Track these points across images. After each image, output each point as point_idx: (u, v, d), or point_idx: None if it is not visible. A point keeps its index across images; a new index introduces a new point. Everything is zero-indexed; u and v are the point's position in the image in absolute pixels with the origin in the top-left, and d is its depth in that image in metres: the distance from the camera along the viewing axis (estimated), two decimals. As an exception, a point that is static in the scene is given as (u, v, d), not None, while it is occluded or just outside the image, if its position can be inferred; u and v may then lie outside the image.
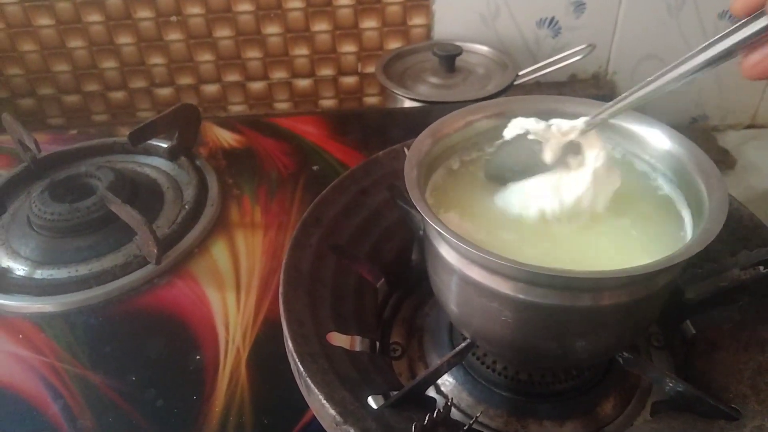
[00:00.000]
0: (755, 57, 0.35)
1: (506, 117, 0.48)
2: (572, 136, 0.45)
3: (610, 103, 0.44)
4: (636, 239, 0.44)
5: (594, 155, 0.44)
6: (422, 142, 0.46)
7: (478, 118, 0.50)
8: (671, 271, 0.40)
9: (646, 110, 0.49)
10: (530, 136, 0.46)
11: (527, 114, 0.47)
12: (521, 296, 0.39)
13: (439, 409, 0.40)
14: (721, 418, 0.41)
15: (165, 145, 0.77)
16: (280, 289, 0.49)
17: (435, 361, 0.49)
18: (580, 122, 0.45)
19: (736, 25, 0.35)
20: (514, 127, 0.46)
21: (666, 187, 0.47)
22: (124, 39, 1.04)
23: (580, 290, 0.38)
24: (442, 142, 0.48)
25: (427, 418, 0.39)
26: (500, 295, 0.39)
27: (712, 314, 0.50)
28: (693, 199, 0.44)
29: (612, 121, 0.49)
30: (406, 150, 0.45)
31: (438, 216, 0.40)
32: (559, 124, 0.45)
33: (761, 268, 0.49)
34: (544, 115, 0.46)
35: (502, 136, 0.47)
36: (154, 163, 0.78)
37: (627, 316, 0.41)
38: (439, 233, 0.40)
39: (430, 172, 0.47)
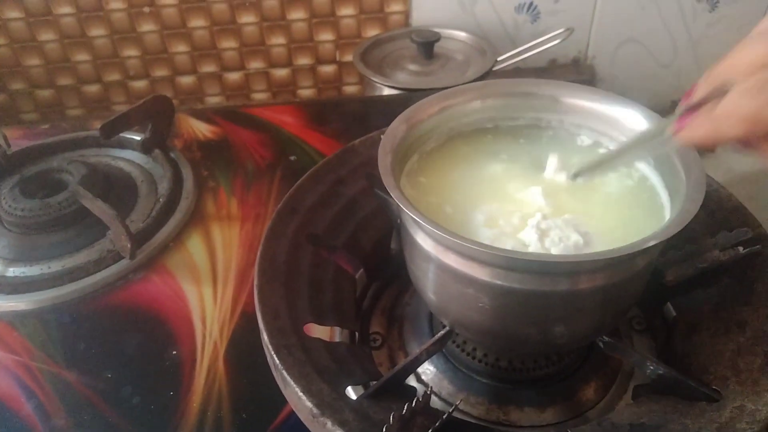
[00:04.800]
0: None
1: (481, 100, 0.48)
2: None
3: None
4: (612, 221, 0.43)
5: None
6: (396, 129, 0.46)
7: (452, 102, 0.49)
8: (650, 253, 0.40)
9: (624, 93, 0.48)
10: None
11: (501, 96, 0.47)
12: (498, 282, 0.38)
13: (418, 398, 0.39)
14: (702, 399, 0.41)
15: (138, 138, 0.75)
16: (255, 281, 0.48)
17: (415, 350, 0.49)
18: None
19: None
20: None
21: (643, 168, 0.47)
22: (96, 31, 1.02)
23: (557, 274, 0.38)
24: (416, 128, 0.47)
25: (405, 407, 0.38)
26: (477, 281, 0.39)
27: (693, 296, 0.50)
28: (671, 179, 0.44)
29: (586, 104, 0.49)
30: (382, 137, 0.45)
31: (413, 203, 0.39)
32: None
33: (740, 248, 0.49)
34: (519, 98, 0.46)
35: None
36: (128, 157, 0.76)
37: (606, 300, 0.41)
38: (414, 220, 0.39)
39: (405, 159, 0.47)
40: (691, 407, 0.41)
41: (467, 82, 0.89)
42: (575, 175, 0.44)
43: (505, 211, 0.44)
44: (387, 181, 0.40)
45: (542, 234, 0.41)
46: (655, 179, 0.46)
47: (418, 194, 0.46)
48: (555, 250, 0.40)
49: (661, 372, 0.43)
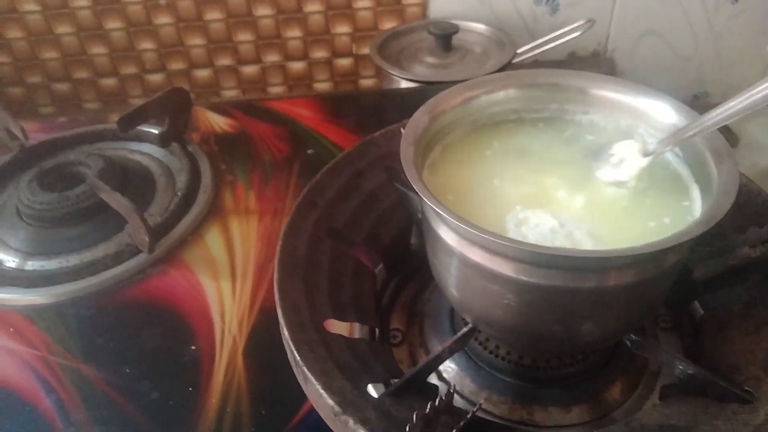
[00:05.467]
0: None
1: (504, 91, 0.47)
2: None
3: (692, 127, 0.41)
4: (642, 217, 0.42)
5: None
6: (419, 120, 0.45)
7: (476, 93, 0.48)
8: (679, 250, 0.39)
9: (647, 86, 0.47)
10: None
11: (526, 88, 0.46)
12: (524, 278, 0.37)
13: (441, 397, 0.38)
14: (733, 401, 0.40)
15: (156, 131, 0.75)
16: (275, 276, 0.47)
17: (436, 348, 0.48)
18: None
19: None
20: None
21: (673, 162, 0.46)
22: (113, 24, 1.02)
23: (584, 271, 0.37)
24: (439, 120, 0.46)
25: (428, 407, 0.37)
26: (502, 277, 0.38)
27: (721, 294, 0.49)
28: (701, 173, 0.42)
29: (613, 95, 0.48)
30: (402, 130, 0.44)
31: (436, 196, 0.38)
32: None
33: (771, 245, 0.48)
34: (544, 89, 0.45)
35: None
36: (146, 150, 0.76)
37: (634, 297, 0.40)
38: (438, 214, 0.38)
39: (427, 151, 0.46)
40: (722, 409, 0.40)
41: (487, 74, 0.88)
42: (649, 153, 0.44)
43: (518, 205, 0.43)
44: (409, 173, 0.39)
45: (519, 223, 0.41)
46: (685, 173, 0.44)
47: (439, 187, 0.45)
48: (531, 236, 0.40)
49: (690, 372, 0.42)
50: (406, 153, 0.41)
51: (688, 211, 0.42)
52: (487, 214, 0.42)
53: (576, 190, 0.43)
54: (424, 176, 0.44)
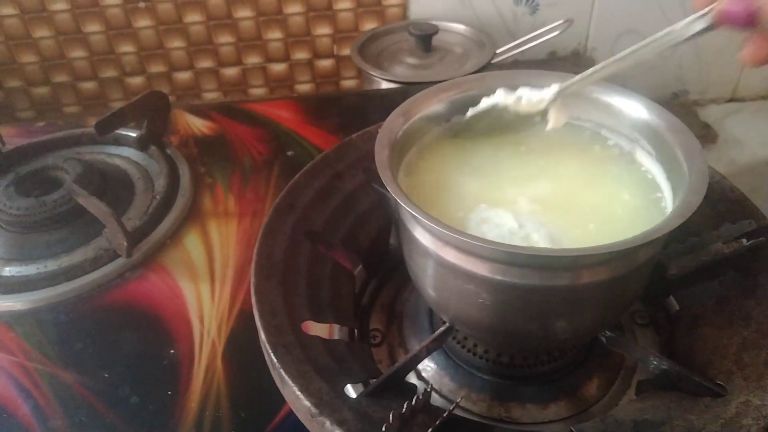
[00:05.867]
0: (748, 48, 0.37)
1: (480, 93, 0.47)
2: (542, 107, 0.45)
3: (582, 74, 0.44)
4: (614, 214, 0.43)
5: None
6: (393, 122, 0.45)
7: (450, 95, 0.48)
8: (652, 246, 0.39)
9: (625, 84, 0.48)
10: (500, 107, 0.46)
11: (499, 87, 0.46)
12: (498, 277, 0.37)
13: (418, 396, 0.38)
14: (706, 395, 0.40)
15: (134, 135, 0.75)
16: (252, 279, 0.47)
17: (415, 347, 0.48)
18: (550, 92, 0.44)
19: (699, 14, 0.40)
20: (485, 101, 0.46)
21: (644, 160, 0.46)
22: (92, 27, 1.01)
23: (558, 269, 0.37)
24: (415, 121, 0.47)
25: (405, 406, 0.38)
26: (477, 276, 0.38)
27: (696, 289, 0.49)
28: (672, 171, 0.43)
29: (589, 96, 0.48)
30: (379, 131, 0.44)
31: (410, 197, 0.38)
32: (528, 95, 0.45)
33: (744, 240, 0.48)
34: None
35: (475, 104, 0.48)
36: (124, 154, 0.76)
37: (608, 294, 0.40)
38: (413, 215, 0.38)
39: (403, 153, 0.46)
40: (695, 403, 0.40)
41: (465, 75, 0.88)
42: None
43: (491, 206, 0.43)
44: (384, 176, 0.40)
45: (480, 221, 0.41)
46: (656, 171, 0.45)
47: (414, 188, 0.45)
48: (490, 236, 0.40)
49: (664, 367, 0.42)
50: (381, 156, 0.41)
51: (659, 210, 0.43)
52: (457, 214, 0.42)
53: (545, 190, 0.44)
54: (400, 178, 0.44)
